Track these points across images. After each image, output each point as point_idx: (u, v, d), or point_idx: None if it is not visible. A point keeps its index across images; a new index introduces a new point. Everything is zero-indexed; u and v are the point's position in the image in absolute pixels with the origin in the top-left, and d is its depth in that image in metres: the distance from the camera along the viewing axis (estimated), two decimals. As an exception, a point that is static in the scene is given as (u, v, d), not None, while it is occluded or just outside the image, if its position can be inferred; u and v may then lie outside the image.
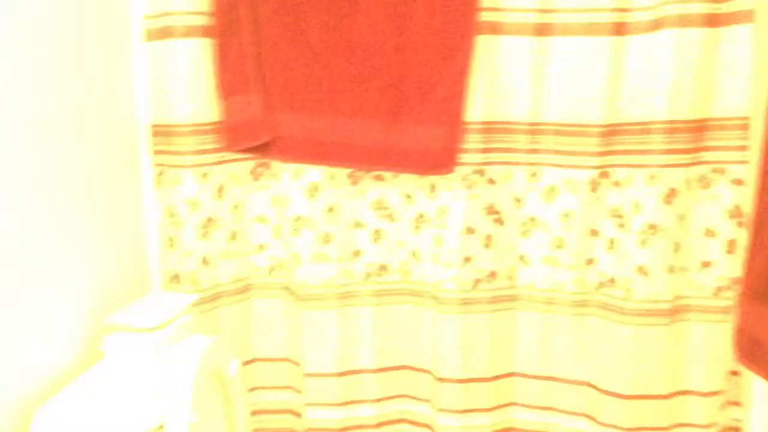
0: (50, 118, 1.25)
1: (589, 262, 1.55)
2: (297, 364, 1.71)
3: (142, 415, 1.14)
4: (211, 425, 1.33)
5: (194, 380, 1.20)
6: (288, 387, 1.77)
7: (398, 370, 1.70)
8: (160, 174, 1.59)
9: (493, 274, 1.58)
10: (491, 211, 1.55)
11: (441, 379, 1.62)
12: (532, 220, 1.56)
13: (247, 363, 1.73)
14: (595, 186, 1.49)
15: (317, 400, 1.67)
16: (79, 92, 1.36)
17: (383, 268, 1.65)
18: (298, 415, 1.75)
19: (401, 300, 1.66)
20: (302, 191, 1.57)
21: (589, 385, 1.59)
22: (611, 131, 1.46)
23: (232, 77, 1.54)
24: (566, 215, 1.53)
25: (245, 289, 1.70)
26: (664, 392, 1.52)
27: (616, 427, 1.53)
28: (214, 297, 1.65)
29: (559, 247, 1.55)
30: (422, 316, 1.65)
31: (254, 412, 1.76)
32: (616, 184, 1.49)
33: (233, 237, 1.65)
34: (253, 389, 1.75)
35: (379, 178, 1.59)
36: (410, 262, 1.64)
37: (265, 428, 1.78)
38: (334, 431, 1.68)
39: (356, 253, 1.63)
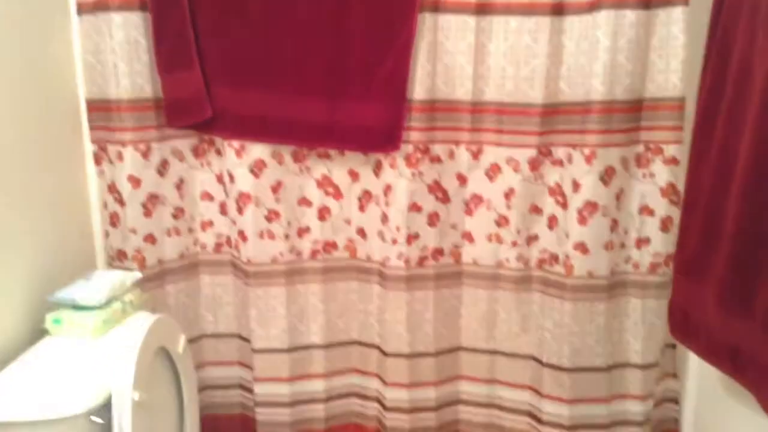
0: (-13, 101, 1.36)
1: (532, 239, 1.70)
2: (246, 340, 1.86)
3: (86, 392, 1.28)
4: (159, 402, 1.48)
5: (138, 358, 1.33)
6: (237, 362, 1.92)
7: (346, 345, 1.86)
8: (100, 150, 1.70)
9: (438, 251, 1.73)
10: (436, 188, 1.69)
11: (388, 354, 1.78)
12: (476, 197, 1.71)
13: (195, 339, 1.87)
14: (536, 164, 1.64)
15: (266, 375, 1.82)
16: (18, 67, 1.46)
17: (330, 244, 1.79)
18: (247, 390, 1.91)
19: (348, 276, 1.81)
20: (247, 168, 1.69)
21: (533, 358, 1.76)
22: (551, 111, 1.60)
23: (171, 52, 1.64)
24: (508, 193, 1.68)
25: (192, 267, 1.84)
26: (604, 365, 1.69)
27: (558, 398, 1.71)
28: (160, 274, 1.78)
29: (501, 224, 1.70)
30: (369, 293, 1.80)
31: (204, 388, 1.92)
32: (557, 162, 1.64)
33: (178, 214, 1.78)
34: (202, 365, 1.90)
35: (324, 156, 1.72)
36: (357, 239, 1.78)
37: (215, 403, 1.94)
38: (284, 405, 1.84)
39: (303, 231, 1.77)
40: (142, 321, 1.45)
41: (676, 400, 1.78)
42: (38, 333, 1.48)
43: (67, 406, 1.24)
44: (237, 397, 1.95)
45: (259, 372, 1.82)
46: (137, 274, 1.61)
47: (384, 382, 1.80)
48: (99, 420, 1.28)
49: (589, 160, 1.57)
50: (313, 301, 1.81)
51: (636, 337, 1.69)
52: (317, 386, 1.85)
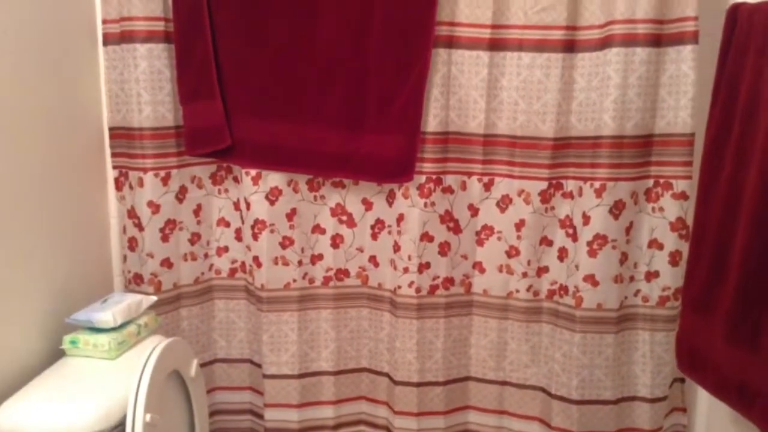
0: (16, 120, 1.40)
1: (542, 270, 1.72)
2: (258, 365, 1.88)
3: (100, 413, 1.29)
4: (171, 425, 1.49)
5: (150, 380, 1.35)
6: (248, 388, 1.93)
7: (356, 372, 1.87)
8: (122, 176, 1.74)
9: (449, 281, 1.75)
10: (447, 218, 1.71)
11: (398, 383, 1.79)
12: (487, 228, 1.73)
13: (207, 363, 1.89)
14: (546, 196, 1.66)
15: (276, 401, 1.83)
16: (45, 94, 1.51)
17: (342, 272, 1.81)
18: (258, 415, 1.92)
19: (360, 304, 1.83)
20: (263, 196, 1.72)
21: (542, 389, 1.76)
22: (562, 144, 1.62)
23: (193, 82, 1.69)
24: (519, 224, 1.69)
25: (206, 291, 1.86)
26: (612, 398, 1.69)
27: (566, 431, 1.70)
28: (175, 298, 1.81)
29: (512, 255, 1.72)
30: (380, 320, 1.82)
31: (215, 413, 1.93)
32: (567, 195, 1.66)
33: (194, 240, 1.81)
34: (213, 389, 1.92)
35: (338, 185, 1.75)
36: (369, 267, 1.80)
37: (225, 428, 1.95)
38: (293, 431, 1.85)
39: (316, 258, 1.79)
40: (156, 344, 1.47)
41: (685, 435, 1.78)
42: (55, 353, 1.50)
43: (82, 426, 1.26)
44: (247, 423, 1.96)
45: (270, 398, 1.83)
46: (153, 298, 1.63)
47: (393, 411, 1.81)
48: (112, 441, 1.30)
49: (599, 193, 1.59)
50: (324, 328, 1.83)
51: (644, 370, 1.69)
52: (326, 413, 1.86)
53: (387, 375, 1.83)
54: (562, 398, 1.70)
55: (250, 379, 1.92)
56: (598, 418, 1.70)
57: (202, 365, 1.87)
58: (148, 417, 1.33)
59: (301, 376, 1.83)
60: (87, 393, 1.35)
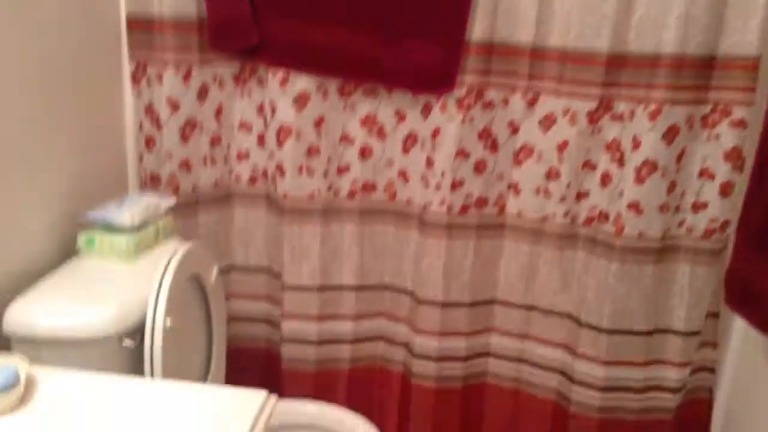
0: (26, 5, 1.28)
1: (582, 195, 1.62)
2: (276, 275, 1.81)
3: (118, 315, 1.23)
4: (188, 330, 1.43)
5: (171, 283, 1.28)
6: (265, 297, 1.88)
7: (379, 289, 1.80)
8: (139, 70, 1.62)
9: (482, 201, 1.66)
10: (485, 135, 1.60)
11: (421, 301, 1.72)
12: (526, 148, 1.62)
13: (224, 271, 1.83)
14: (594, 118, 1.55)
15: (295, 313, 1.78)
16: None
17: (370, 185, 1.72)
18: (274, 325, 1.87)
19: (386, 219, 1.75)
20: (289, 100, 1.61)
21: (570, 317, 1.70)
22: (617, 61, 1.50)
23: (219, -29, 1.55)
24: (561, 146, 1.59)
25: (225, 197, 1.78)
26: (644, 329, 1.63)
27: (593, 359, 1.65)
28: (194, 202, 1.72)
29: (551, 177, 1.62)
30: (406, 238, 1.74)
31: (231, 320, 1.88)
32: (617, 117, 1.54)
33: (215, 142, 1.71)
34: (229, 297, 1.86)
35: (370, 93, 1.64)
36: (398, 182, 1.71)
37: (240, 335, 1.90)
38: (310, 343, 1.79)
39: (342, 169, 1.70)
40: (176, 247, 1.39)
41: (712, 369, 1.72)
42: (69, 252, 1.43)
43: (98, 328, 1.20)
44: (263, 332, 1.91)
45: (288, 309, 1.77)
46: (171, 200, 1.55)
47: (414, 329, 1.75)
48: (130, 343, 1.24)
49: (653, 116, 1.48)
50: (347, 242, 1.75)
51: (681, 303, 1.63)
52: (345, 327, 1.81)
53: (410, 293, 1.76)
54: (591, 326, 1.64)
55: (267, 289, 1.86)
56: (628, 348, 1.64)
57: (220, 272, 1.80)
58: (168, 321, 1.26)
59: (321, 289, 1.76)
60: (103, 294, 1.28)
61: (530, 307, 1.74)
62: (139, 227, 1.44)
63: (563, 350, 1.72)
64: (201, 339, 1.53)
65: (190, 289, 1.45)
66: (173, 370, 1.29)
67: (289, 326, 1.79)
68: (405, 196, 1.71)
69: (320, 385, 1.83)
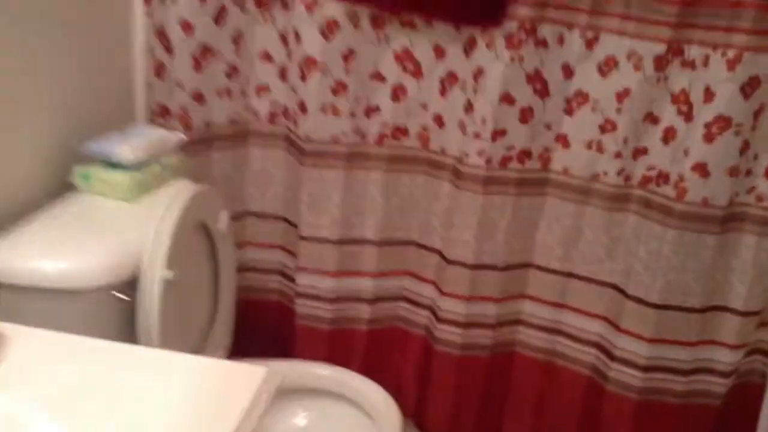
0: None
1: (640, 152, 1.44)
2: (293, 225, 1.66)
3: (111, 263, 1.08)
4: (193, 281, 1.29)
5: (173, 232, 1.13)
6: (280, 247, 1.73)
7: (404, 245, 1.65)
8: (151, -13, 1.45)
9: (525, 153, 1.48)
10: (535, 79, 1.42)
11: (450, 261, 1.56)
12: (581, 95, 1.43)
13: (237, 216, 1.67)
14: (662, 63, 1.35)
15: (312, 266, 1.63)
16: None
17: (401, 130, 1.54)
18: (289, 278, 1.72)
19: (416, 169, 1.58)
20: (316, 28, 1.43)
21: (615, 287, 1.53)
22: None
23: None
24: (621, 94, 1.40)
25: (241, 136, 1.61)
26: (698, 305, 1.46)
27: (638, 335, 1.49)
28: (206, 139, 1.56)
29: (606, 130, 1.43)
30: (438, 191, 1.57)
31: (241, 269, 1.73)
32: (688, 64, 1.35)
33: (232, 73, 1.54)
34: (242, 245, 1.71)
35: (407, 25, 1.45)
36: (433, 127, 1.53)
37: (252, 286, 1.76)
38: (326, 300, 1.65)
39: (371, 110, 1.52)
40: (183, 190, 1.24)
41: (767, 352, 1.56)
42: (63, 187, 1.27)
43: (88, 276, 1.05)
44: (276, 284, 1.77)
45: (304, 261, 1.62)
46: (181, 135, 1.38)
47: (440, 291, 1.60)
48: (123, 297, 1.09)
49: (731, 65, 1.29)
50: (372, 192, 1.58)
51: (743, 279, 1.45)
52: (365, 285, 1.66)
53: (439, 252, 1.60)
54: (639, 300, 1.48)
55: (283, 238, 1.71)
56: (678, 326, 1.48)
57: (232, 218, 1.65)
58: (167, 273, 1.11)
59: (340, 242, 1.61)
60: (96, 238, 1.13)
61: (569, 275, 1.57)
62: (142, 164, 1.28)
63: (603, 323, 1.56)
64: (206, 292, 1.39)
65: (197, 237, 1.30)
66: (172, 328, 1.15)
67: (303, 280, 1.64)
68: (439, 144, 1.54)
69: (335, 345, 1.69)
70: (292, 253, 1.68)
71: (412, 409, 1.70)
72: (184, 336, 1.26)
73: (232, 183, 1.64)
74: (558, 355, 1.64)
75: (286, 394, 1.51)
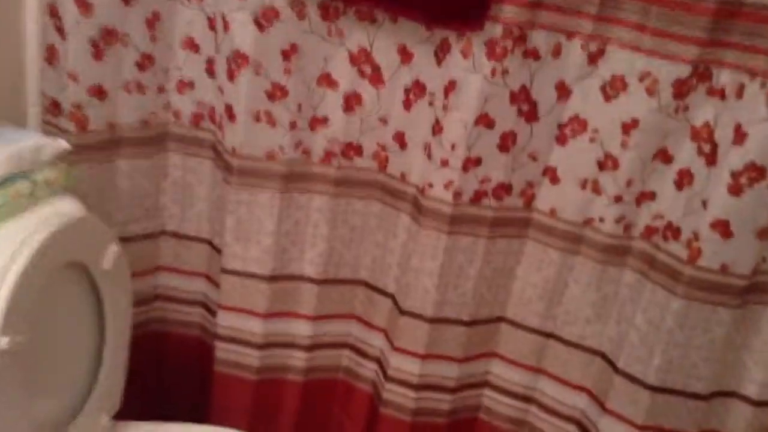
0: None
1: (646, 196, 1.16)
2: (218, 251, 1.38)
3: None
4: (59, 338, 1.01)
5: (15, 287, 0.85)
6: (204, 275, 1.45)
7: (351, 284, 1.37)
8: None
9: (504, 188, 1.20)
10: (521, 98, 1.13)
11: (404, 312, 1.29)
12: (577, 121, 1.15)
13: (152, 236, 1.39)
14: (683, 89, 1.07)
15: (236, 305, 1.35)
16: None
17: (353, 148, 1.26)
18: (212, 312, 1.44)
19: (370, 194, 1.30)
20: (249, 15, 1.13)
21: (603, 356, 1.27)
22: (728, 10, 1.02)
23: None
24: (629, 124, 1.12)
25: (158, 140, 1.33)
26: (704, 391, 1.20)
27: (628, 420, 1.23)
28: (111, 144, 1.27)
29: (606, 167, 1.16)
30: (395, 224, 1.29)
31: (157, 297, 1.46)
32: (716, 92, 1.07)
33: (145, 63, 1.24)
34: (157, 269, 1.44)
35: (366, 17, 1.16)
36: (392, 147, 1.25)
37: (167, 318, 1.48)
38: (253, 345, 1.37)
39: (318, 122, 1.24)
40: (49, 220, 0.95)
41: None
42: None
43: None
44: (197, 317, 1.49)
45: (227, 298, 1.35)
46: (61, 144, 1.08)
47: (391, 345, 1.32)
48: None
49: (769, 98, 1.01)
50: (315, 219, 1.30)
51: (758, 361, 1.19)
52: (301, 329, 1.39)
53: (392, 297, 1.33)
54: (630, 377, 1.21)
55: (208, 265, 1.43)
56: (677, 413, 1.21)
57: (145, 237, 1.37)
58: (4, 342, 0.83)
59: (273, 278, 1.33)
60: None
61: (549, 335, 1.31)
62: (3, 181, 0.99)
63: (587, 397, 1.30)
64: (86, 347, 1.10)
65: (67, 280, 1.01)
66: (17, 400, 0.87)
67: (225, 321, 1.36)
68: (399, 168, 1.26)
69: (262, 399, 1.42)
70: (217, 284, 1.40)
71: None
72: (37, 410, 0.97)
73: (146, 196, 1.35)
74: (528, 426, 1.37)
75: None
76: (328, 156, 1.26)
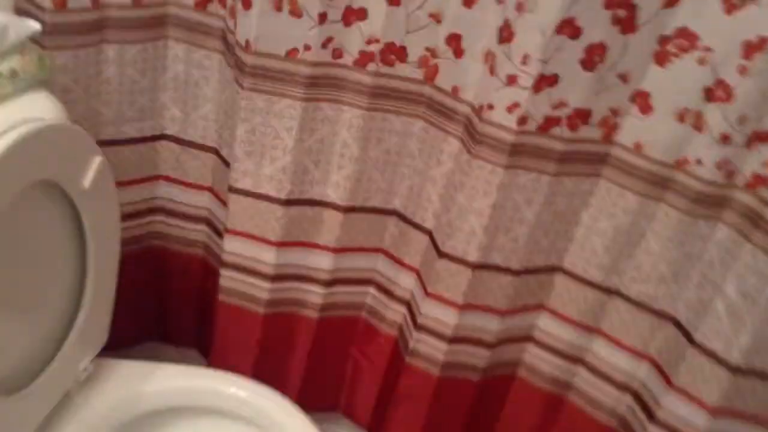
0: None
1: (760, 138, 0.94)
2: (226, 164, 1.18)
3: None
4: (30, 271, 0.83)
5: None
6: (209, 188, 1.27)
7: (380, 215, 1.18)
8: None
9: (581, 115, 0.98)
10: (617, 2, 0.90)
11: (444, 254, 1.10)
12: (686, 35, 0.92)
13: (150, 139, 1.20)
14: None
15: (245, 230, 1.17)
16: None
17: (395, 50, 1.03)
18: (219, 232, 1.27)
19: (414, 111, 1.08)
20: None
21: (676, 323, 1.08)
22: None
23: None
24: (755, 44, 0.88)
25: (155, 23, 1.11)
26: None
27: (698, 400, 1.05)
28: (97, 26, 1.06)
29: (713, 97, 0.93)
30: (442, 148, 1.08)
31: (154, 210, 1.29)
32: None
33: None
34: (155, 177, 1.26)
35: None
36: (445, 53, 1.02)
37: (167, 234, 1.32)
38: (264, 276, 1.21)
39: (352, 14, 1.01)
40: (12, 126, 0.75)
41: None
42: None
43: None
44: (201, 236, 1.32)
45: (235, 222, 1.16)
46: (32, 25, 0.87)
47: (425, 290, 1.15)
48: None
49: None
50: (344, 137, 1.10)
51: None
52: (321, 261, 1.21)
53: (429, 234, 1.14)
54: (709, 353, 1.03)
55: (214, 179, 1.24)
56: (759, 398, 1.03)
57: (141, 140, 1.18)
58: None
59: (290, 202, 1.14)
60: None
61: (612, 291, 1.12)
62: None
63: (650, 367, 1.13)
64: (65, 272, 0.93)
65: (36, 200, 0.82)
66: None
67: (233, 246, 1.18)
68: (451, 81, 1.04)
69: (270, 334, 1.26)
70: (224, 202, 1.22)
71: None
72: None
73: (140, 92, 1.15)
74: (573, 390, 1.21)
75: (180, 413, 1.09)
76: (363, 58, 1.04)
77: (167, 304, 1.39)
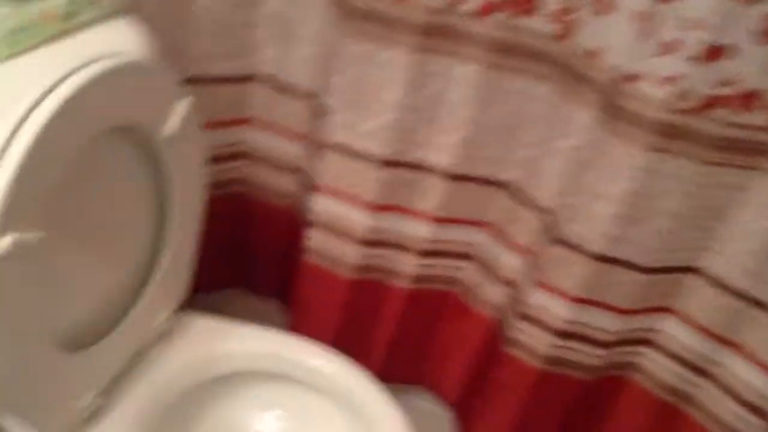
0: None
1: None
2: (322, 113, 1.08)
3: None
4: (104, 224, 0.76)
5: (23, 166, 0.58)
6: (305, 137, 1.16)
7: (490, 186, 1.05)
8: None
9: (749, 97, 0.81)
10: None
11: (562, 240, 0.97)
12: None
13: (240, 80, 1.11)
14: None
15: (338, 187, 1.07)
16: None
17: (524, 2, 0.88)
18: (307, 186, 1.17)
19: (540, 71, 0.93)
20: None
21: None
22: None
23: None
24: None
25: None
26: None
27: None
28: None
29: None
30: (568, 119, 0.93)
31: (240, 155, 1.20)
32: None
33: None
34: (245, 120, 1.16)
35: None
36: (585, 7, 0.86)
37: (254, 181, 1.24)
38: (356, 240, 1.11)
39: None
40: (87, 61, 0.66)
41: None
42: None
43: None
44: (290, 186, 1.22)
45: (327, 178, 1.06)
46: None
47: (534, 276, 1.02)
48: None
49: None
50: (456, 94, 0.96)
51: None
52: (418, 229, 1.10)
53: (548, 215, 1.01)
54: None
55: (309, 127, 1.14)
56: None
57: (231, 80, 1.09)
58: (5, 242, 0.58)
59: (390, 163, 1.02)
60: None
61: (756, 302, 0.96)
62: (20, -3, 0.70)
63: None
64: (144, 224, 0.85)
65: (112, 146, 0.74)
66: (37, 308, 0.65)
67: (324, 204, 1.09)
68: (590, 41, 0.88)
69: (356, 300, 1.17)
70: (317, 155, 1.12)
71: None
72: (76, 313, 0.76)
73: (229, 29, 1.05)
74: (694, 404, 1.07)
75: (256, 377, 1.02)
76: (486, 7, 0.89)
77: (250, 253, 1.32)
